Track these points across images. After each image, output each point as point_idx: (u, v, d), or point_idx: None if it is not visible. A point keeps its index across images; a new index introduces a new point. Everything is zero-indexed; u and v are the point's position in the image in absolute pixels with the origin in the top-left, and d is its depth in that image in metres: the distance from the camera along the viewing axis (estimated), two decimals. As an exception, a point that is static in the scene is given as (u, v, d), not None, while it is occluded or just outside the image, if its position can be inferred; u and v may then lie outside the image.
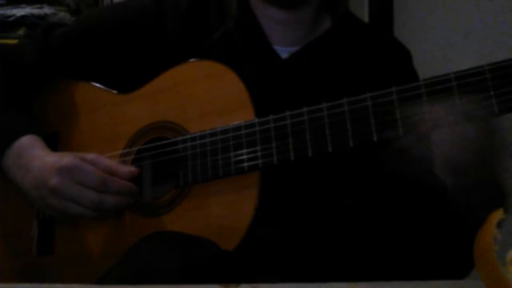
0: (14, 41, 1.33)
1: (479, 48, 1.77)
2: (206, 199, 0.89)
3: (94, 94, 1.03)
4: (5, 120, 0.99)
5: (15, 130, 0.97)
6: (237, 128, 0.88)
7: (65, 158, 0.88)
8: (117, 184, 0.88)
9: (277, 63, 0.99)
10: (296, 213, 0.94)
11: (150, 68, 0.98)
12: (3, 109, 1.00)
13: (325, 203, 0.95)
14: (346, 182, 0.96)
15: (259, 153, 0.86)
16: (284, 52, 1.00)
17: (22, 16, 1.85)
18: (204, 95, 0.92)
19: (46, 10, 1.88)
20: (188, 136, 0.91)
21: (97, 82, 1.03)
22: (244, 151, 0.87)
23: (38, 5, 1.89)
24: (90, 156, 0.90)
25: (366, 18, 1.93)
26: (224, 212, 0.87)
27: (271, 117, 0.86)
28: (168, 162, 0.92)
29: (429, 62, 1.68)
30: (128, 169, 0.90)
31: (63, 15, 1.91)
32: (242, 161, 0.87)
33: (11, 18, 1.84)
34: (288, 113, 0.86)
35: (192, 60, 0.95)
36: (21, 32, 1.83)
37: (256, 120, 0.87)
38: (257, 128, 0.87)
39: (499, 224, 0.56)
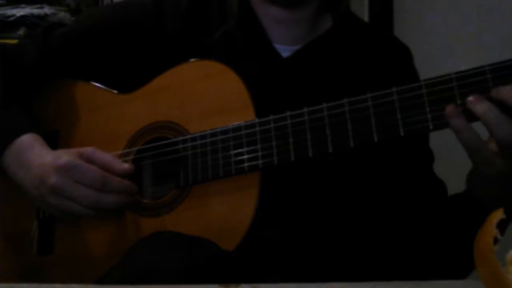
0: (14, 41, 1.32)
1: (479, 48, 1.77)
2: (206, 199, 0.89)
3: (94, 94, 1.03)
4: (5, 119, 0.99)
5: (15, 129, 0.96)
6: (238, 128, 0.88)
7: (63, 157, 0.89)
8: (116, 183, 0.88)
9: (278, 62, 0.99)
10: (296, 214, 0.94)
11: (150, 68, 0.98)
12: (3, 109, 1.00)
13: (326, 204, 0.95)
14: (346, 182, 0.96)
15: (259, 153, 0.86)
16: (285, 51, 0.99)
17: (22, 16, 1.85)
18: (204, 95, 0.92)
19: (46, 10, 1.88)
20: (189, 136, 0.91)
21: (97, 82, 1.03)
22: (245, 151, 0.87)
23: (38, 5, 1.89)
24: (87, 152, 0.90)
25: (366, 18, 1.93)
26: (224, 212, 0.87)
27: (271, 117, 0.86)
28: (169, 162, 0.92)
29: (429, 62, 1.67)
30: (123, 166, 0.90)
31: (63, 15, 1.91)
32: (242, 161, 0.87)
33: (11, 18, 1.85)
34: (288, 113, 0.86)
35: (192, 59, 0.95)
36: (21, 32, 1.83)
37: (257, 120, 0.87)
38: (257, 128, 0.87)
39: (499, 224, 0.56)
